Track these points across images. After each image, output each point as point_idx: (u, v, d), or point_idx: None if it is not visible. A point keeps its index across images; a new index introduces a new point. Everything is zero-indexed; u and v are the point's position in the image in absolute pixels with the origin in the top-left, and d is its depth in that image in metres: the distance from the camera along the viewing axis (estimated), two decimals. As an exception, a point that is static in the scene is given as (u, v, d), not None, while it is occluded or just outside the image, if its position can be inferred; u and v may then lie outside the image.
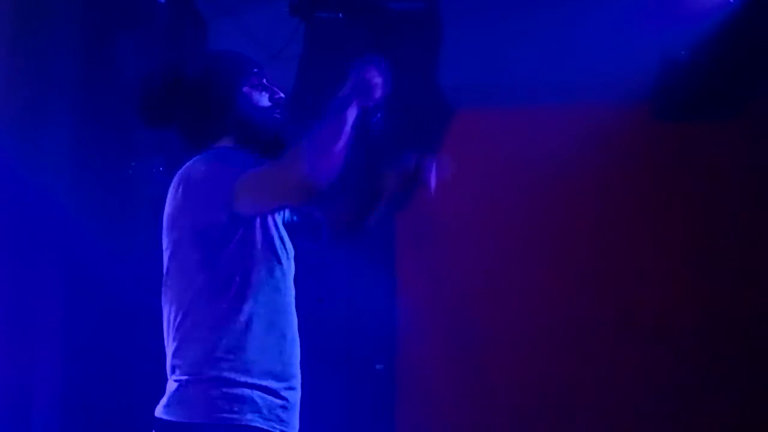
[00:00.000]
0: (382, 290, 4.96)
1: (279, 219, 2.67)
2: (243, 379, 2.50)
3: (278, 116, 2.69)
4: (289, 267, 2.66)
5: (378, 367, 4.94)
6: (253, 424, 2.49)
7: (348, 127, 2.47)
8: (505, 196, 5.02)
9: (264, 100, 2.71)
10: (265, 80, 2.73)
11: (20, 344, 4.17)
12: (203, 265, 2.53)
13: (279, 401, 2.54)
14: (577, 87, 4.80)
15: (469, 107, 4.97)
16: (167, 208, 2.61)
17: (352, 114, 2.49)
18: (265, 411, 2.51)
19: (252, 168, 2.54)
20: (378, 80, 2.55)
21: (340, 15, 4.76)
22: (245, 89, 2.69)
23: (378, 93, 2.55)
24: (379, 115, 2.61)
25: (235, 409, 2.48)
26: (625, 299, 5.00)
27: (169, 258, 2.59)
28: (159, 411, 2.55)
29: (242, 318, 2.52)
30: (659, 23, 4.54)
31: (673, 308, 4.96)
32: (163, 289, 2.62)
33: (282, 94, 2.73)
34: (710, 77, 4.53)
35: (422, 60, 4.84)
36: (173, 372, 2.55)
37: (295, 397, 2.61)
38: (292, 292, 2.67)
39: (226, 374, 2.49)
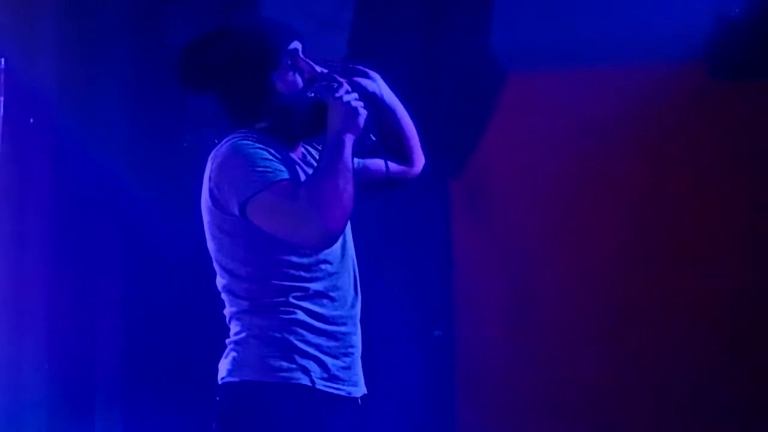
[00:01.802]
0: (437, 256, 4.96)
1: None
2: (296, 338, 2.52)
3: (312, 94, 2.58)
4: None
5: (436, 333, 4.95)
6: (303, 382, 2.51)
7: (350, 165, 2.46)
8: (559, 159, 4.99)
9: (297, 81, 2.61)
10: (301, 54, 2.62)
11: (82, 317, 4.30)
12: (231, 243, 2.56)
13: (333, 360, 2.56)
14: (629, 48, 4.75)
15: (521, 71, 4.95)
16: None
17: (349, 148, 2.48)
18: (318, 370, 2.53)
19: (270, 182, 2.47)
20: (357, 98, 2.54)
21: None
22: (275, 75, 2.59)
23: (364, 112, 2.53)
24: (371, 134, 2.58)
25: (285, 367, 2.50)
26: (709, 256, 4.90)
27: (206, 232, 2.63)
28: (219, 374, 2.60)
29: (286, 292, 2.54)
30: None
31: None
32: None
33: (319, 70, 2.61)
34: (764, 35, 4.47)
35: (475, 23, 4.82)
36: (229, 335, 2.61)
37: (354, 354, 2.61)
38: (348, 253, 2.66)
39: (276, 334, 2.52)
